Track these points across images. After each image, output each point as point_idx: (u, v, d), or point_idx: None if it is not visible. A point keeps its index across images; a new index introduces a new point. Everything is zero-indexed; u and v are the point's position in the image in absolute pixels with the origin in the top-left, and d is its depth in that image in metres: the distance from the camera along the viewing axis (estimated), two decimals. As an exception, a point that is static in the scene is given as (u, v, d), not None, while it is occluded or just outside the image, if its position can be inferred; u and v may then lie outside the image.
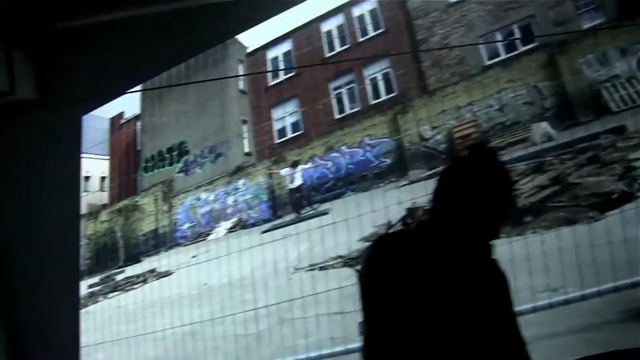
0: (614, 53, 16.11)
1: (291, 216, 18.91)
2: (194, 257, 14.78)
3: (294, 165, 19.76)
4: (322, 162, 21.72)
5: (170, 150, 27.83)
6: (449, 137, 18.82)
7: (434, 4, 21.85)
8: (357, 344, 5.80)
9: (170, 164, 27.70)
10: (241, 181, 23.83)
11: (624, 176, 9.70)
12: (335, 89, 24.60)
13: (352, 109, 24.14)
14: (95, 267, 21.76)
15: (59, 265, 2.15)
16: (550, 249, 6.22)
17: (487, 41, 20.39)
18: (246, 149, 26.30)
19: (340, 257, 10.50)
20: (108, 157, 32.92)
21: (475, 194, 1.74)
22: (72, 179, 2.20)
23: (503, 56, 19.96)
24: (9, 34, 1.84)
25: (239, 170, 24.31)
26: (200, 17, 2.03)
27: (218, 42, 2.82)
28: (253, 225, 21.21)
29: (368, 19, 24.52)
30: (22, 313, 2.11)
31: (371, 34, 24.21)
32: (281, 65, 26.60)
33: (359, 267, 1.92)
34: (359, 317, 5.24)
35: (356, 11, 25.02)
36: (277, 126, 26.11)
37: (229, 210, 23.66)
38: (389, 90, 23.15)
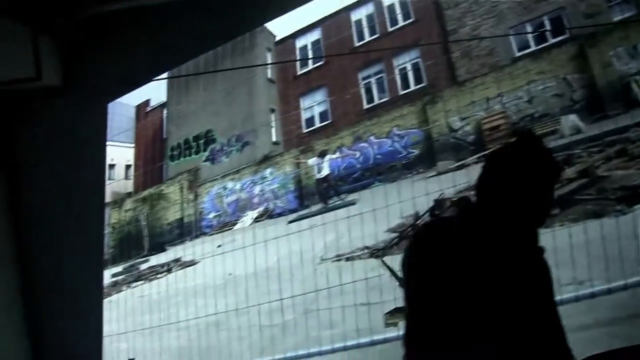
0: None
1: (318, 206, 19.21)
2: (219, 246, 14.86)
3: (322, 154, 20.24)
4: (350, 152, 22.07)
5: (196, 138, 28.23)
6: (478, 128, 19.11)
7: (464, -6, 22.06)
8: (383, 335, 6.32)
9: (197, 153, 28.09)
10: (268, 170, 24.21)
11: None
12: (364, 78, 24.87)
13: (380, 99, 24.38)
14: (119, 256, 22.21)
15: (83, 253, 2.24)
16: (577, 241, 6.18)
17: (517, 32, 20.50)
18: (274, 138, 26.64)
19: (367, 247, 10.63)
20: (133, 145, 33.32)
21: (522, 180, 1.79)
22: (97, 167, 2.27)
23: (533, 48, 20.09)
24: (36, 21, 1.90)
25: (266, 160, 24.70)
26: (229, 4, 2.11)
27: (246, 30, 2.93)
28: (280, 215, 21.67)
29: (398, 9, 24.60)
30: (44, 301, 2.19)
31: (401, 23, 24.29)
32: (310, 54, 26.83)
33: (405, 251, 1.95)
34: (384, 308, 6.50)
35: (386, 0, 25.07)
36: (305, 115, 26.42)
37: (256, 200, 24.08)
38: (418, 80, 23.39)
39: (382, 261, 8.56)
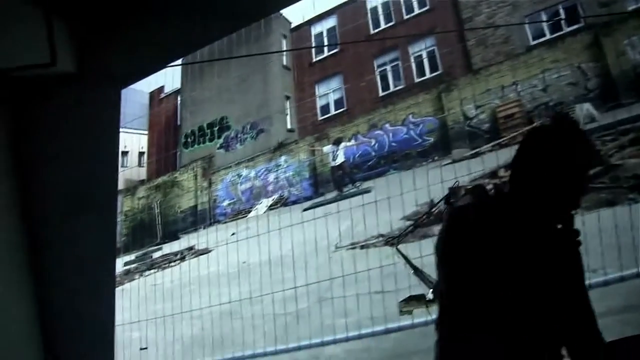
0: None
1: (333, 194, 19.46)
2: (233, 234, 14.97)
3: (337, 142, 20.63)
4: (365, 139, 22.36)
5: (210, 125, 28.49)
6: (493, 116, 19.45)
7: (479, -17, 22.01)
8: (397, 323, 6.53)
9: (211, 140, 28.36)
10: (283, 158, 24.60)
11: None
12: (380, 66, 25.11)
13: (396, 86, 24.59)
14: (131, 244, 22.63)
15: (95, 241, 2.25)
16: (591, 230, 5.75)
17: (533, 21, 20.49)
18: (289, 126, 26.91)
19: (381, 235, 10.80)
20: (147, 132, 33.59)
21: (559, 163, 1.82)
22: (110, 154, 2.27)
23: (548, 36, 20.30)
24: (50, 6, 1.90)
25: (280, 147, 25.05)
26: None
27: (261, 16, 2.91)
28: (294, 202, 21.96)
29: (414, -3, 24.57)
30: (56, 289, 2.18)
31: (417, 11, 24.45)
32: (325, 41, 27.02)
33: (443, 234, 1.97)
34: (399, 297, 7.01)
35: (402, -12, 24.97)
36: (320, 103, 26.69)
37: (270, 188, 24.49)
38: (433, 68, 23.65)
39: (397, 249, 7.79)
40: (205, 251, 15.45)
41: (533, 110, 18.77)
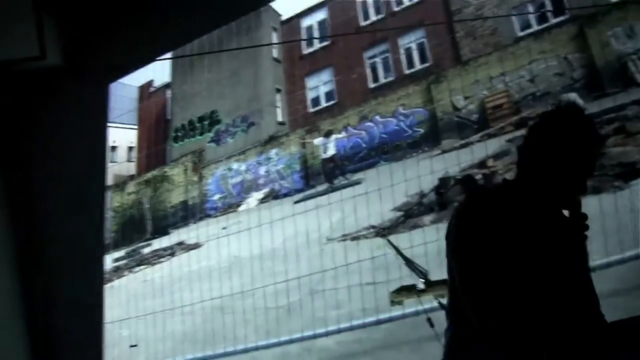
0: None
1: (324, 186, 19.48)
2: (224, 228, 15.34)
3: (328, 134, 20.83)
4: (356, 131, 22.56)
5: (201, 119, 28.44)
6: (482, 107, 19.71)
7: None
8: (389, 314, 6.56)
9: (201, 134, 28.31)
10: (274, 151, 24.69)
11: None
12: (370, 58, 25.28)
13: (386, 78, 24.82)
14: (121, 240, 22.37)
15: (83, 237, 2.21)
16: None
17: (520, 13, 20.84)
18: (279, 118, 27.00)
19: (372, 227, 10.97)
20: (136, 127, 33.35)
21: (564, 148, 1.84)
22: (98, 149, 2.23)
23: (535, 28, 20.67)
24: (40, 1, 1.88)
25: (271, 140, 25.13)
26: None
27: (251, 9, 2.80)
28: (285, 195, 22.01)
29: (403, -11, 24.44)
30: (44, 287, 2.15)
31: (406, 3, 24.57)
32: (316, 34, 27.07)
33: (458, 221, 1.97)
34: (390, 287, 7.08)
35: (391, -19, 24.86)
36: (311, 95, 26.82)
37: (261, 181, 24.51)
38: (423, 60, 23.86)
39: (388, 240, 8.28)
40: (196, 246, 15.63)
41: (521, 101, 19.06)
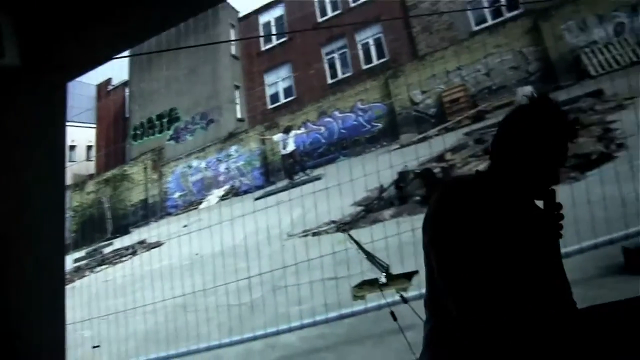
0: (593, 20, 17.16)
1: (284, 182, 19.40)
2: (185, 226, 15.27)
3: (287, 130, 20.62)
4: (315, 127, 22.62)
5: (160, 117, 28.16)
6: (439, 101, 19.82)
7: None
8: (351, 308, 6.49)
9: (160, 132, 28.06)
10: (233, 148, 24.49)
11: (602, 137, 10.44)
12: (328, 54, 25.29)
13: (344, 73, 24.87)
14: (81, 240, 22.07)
15: (43, 238, 2.11)
16: None
17: (475, 7, 21.15)
18: (238, 115, 26.84)
19: (333, 222, 10.91)
20: (95, 125, 32.81)
21: (537, 139, 1.86)
22: (57, 148, 2.13)
23: (490, 22, 20.90)
24: None
25: (231, 137, 24.94)
26: None
27: (209, 6, 2.83)
28: (245, 192, 21.85)
29: (359, -16, 24.57)
30: (1, 289, 2.05)
31: None
32: (273, 30, 27.01)
33: (440, 205, 1.95)
34: (352, 282, 7.03)
35: (348, -24, 24.97)
36: (269, 91, 26.74)
37: (221, 178, 24.34)
38: (380, 55, 23.92)
39: (349, 235, 8.65)
40: (157, 244, 15.46)
41: (477, 94, 19.28)
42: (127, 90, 31.05)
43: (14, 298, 2.08)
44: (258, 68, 27.01)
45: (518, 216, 1.90)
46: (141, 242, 17.16)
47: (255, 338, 6.82)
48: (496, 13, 20.99)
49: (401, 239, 7.25)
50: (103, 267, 15.75)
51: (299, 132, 21.67)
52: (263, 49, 27.27)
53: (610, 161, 9.12)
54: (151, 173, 26.65)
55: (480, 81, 19.41)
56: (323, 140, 22.58)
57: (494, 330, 1.76)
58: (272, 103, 26.58)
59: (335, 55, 25.30)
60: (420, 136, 17.75)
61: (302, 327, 6.61)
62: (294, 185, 16.77)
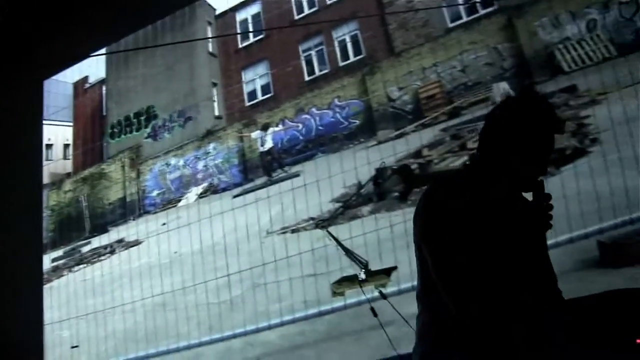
0: (566, 17, 17.31)
1: (262, 179, 19.45)
2: (164, 224, 15.42)
3: (265, 127, 20.81)
4: (293, 124, 22.49)
5: (137, 115, 27.67)
6: (415, 97, 19.81)
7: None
8: (330, 305, 6.58)
9: (138, 130, 27.57)
10: (211, 145, 24.30)
11: (576, 133, 10.57)
12: (305, 51, 25.04)
13: (321, 70, 24.67)
14: (59, 239, 21.91)
15: (20, 238, 2.17)
16: None
17: (450, 4, 21.06)
18: (216, 112, 26.54)
19: (312, 219, 10.96)
20: (72, 124, 32.02)
21: (525, 131, 1.91)
22: (33, 147, 2.21)
23: (465, 19, 20.85)
24: None
25: (209, 134, 24.76)
26: None
27: (186, 3, 2.88)
28: (224, 189, 21.80)
29: (335, -18, 24.50)
30: None
31: None
32: (250, 27, 26.72)
33: (421, 204, 1.95)
34: (331, 279, 7.08)
35: (323, -26, 24.95)
36: (247, 89, 26.38)
37: (200, 176, 24.09)
38: (357, 52, 23.70)
39: (328, 231, 8.67)
40: (136, 243, 15.53)
41: (453, 91, 19.33)
42: (104, 88, 30.52)
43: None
44: (235, 65, 26.77)
45: (508, 208, 1.94)
46: (120, 241, 17.04)
47: (235, 336, 6.82)
48: (471, 10, 21.01)
49: (379, 235, 7.29)
50: (81, 266, 15.63)
51: (276, 129, 21.76)
52: (240, 46, 27.06)
53: (584, 156, 9.27)
54: (129, 171, 26.34)
55: (456, 77, 19.44)
56: (301, 137, 22.47)
57: (492, 324, 1.76)
58: (250, 100, 26.29)
59: (312, 52, 25.12)
60: (398, 132, 17.85)
61: (281, 324, 6.63)
62: (273, 183, 16.94)
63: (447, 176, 2.60)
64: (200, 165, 24.47)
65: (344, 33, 24.29)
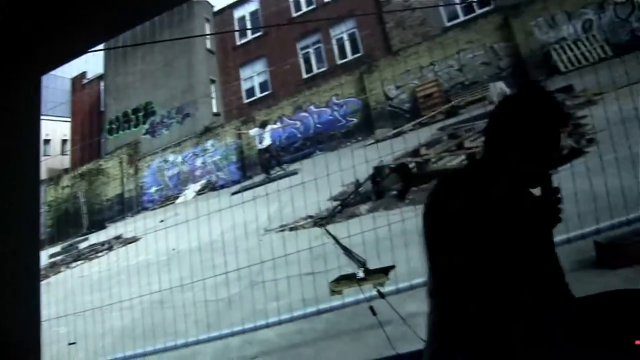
0: (562, 17, 17.44)
1: (260, 177, 19.39)
2: (161, 221, 15.09)
3: (263, 125, 20.52)
4: (291, 121, 22.55)
5: (135, 111, 27.72)
6: (413, 96, 19.92)
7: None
8: (329, 304, 6.47)
9: (136, 126, 27.61)
10: (209, 142, 24.34)
11: (573, 133, 10.38)
12: (303, 48, 25.11)
13: (319, 68, 24.72)
14: (56, 235, 21.95)
15: (18, 234, 2.10)
16: None
17: (447, 3, 21.16)
18: (214, 109, 26.58)
19: (310, 217, 10.92)
20: (70, 119, 32.12)
21: (532, 126, 1.88)
22: (31, 142, 2.15)
23: (462, 18, 20.99)
24: None
25: (207, 131, 24.76)
26: None
27: (184, 0, 2.89)
28: (222, 187, 21.80)
29: (334, -20, 24.54)
30: None
31: None
32: (248, 25, 26.76)
33: (429, 202, 1.95)
34: (329, 277, 7.04)
35: (322, -28, 24.98)
36: (245, 86, 26.43)
37: (198, 172, 24.10)
38: (354, 50, 23.86)
39: (326, 230, 8.64)
40: (134, 240, 15.37)
41: (450, 90, 19.42)
42: (102, 84, 30.54)
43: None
44: (233, 62, 26.84)
45: (511, 206, 1.90)
46: (117, 237, 16.99)
47: (232, 334, 6.77)
48: (468, 9, 21.11)
49: (378, 233, 7.28)
50: (79, 262, 15.54)
51: (275, 126, 21.61)
52: (238, 43, 27.06)
53: (581, 156, 9.12)
54: (127, 167, 26.35)
55: (453, 76, 19.55)
56: (299, 135, 22.55)
57: (491, 324, 1.77)
58: (248, 97, 26.36)
59: (310, 50, 25.16)
60: (395, 131, 17.82)
61: (279, 322, 6.58)
62: (271, 180, 16.84)
63: (451, 175, 2.39)
64: (199, 162, 24.46)
65: (341, 31, 24.36)
